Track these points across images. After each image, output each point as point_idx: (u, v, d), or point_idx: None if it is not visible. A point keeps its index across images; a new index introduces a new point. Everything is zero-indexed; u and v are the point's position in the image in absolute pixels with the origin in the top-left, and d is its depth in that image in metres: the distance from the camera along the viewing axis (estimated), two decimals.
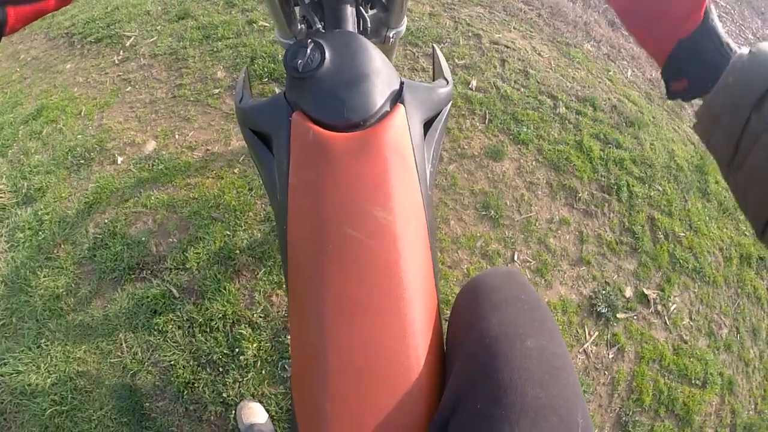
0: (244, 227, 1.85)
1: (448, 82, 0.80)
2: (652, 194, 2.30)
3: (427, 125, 0.71)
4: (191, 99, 2.37)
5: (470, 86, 2.53)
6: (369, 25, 1.02)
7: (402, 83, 0.67)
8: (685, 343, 1.96)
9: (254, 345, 1.63)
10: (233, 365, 1.60)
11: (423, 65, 2.60)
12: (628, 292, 2.00)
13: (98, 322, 1.70)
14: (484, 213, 2.05)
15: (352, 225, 0.56)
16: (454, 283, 1.85)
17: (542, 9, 3.44)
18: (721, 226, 2.35)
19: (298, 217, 0.60)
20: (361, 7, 1.01)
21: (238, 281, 1.75)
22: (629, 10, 0.52)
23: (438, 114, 0.74)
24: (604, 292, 1.96)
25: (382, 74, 0.65)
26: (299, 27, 1.11)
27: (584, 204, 2.18)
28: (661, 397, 1.81)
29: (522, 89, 2.59)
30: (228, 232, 1.82)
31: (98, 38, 2.82)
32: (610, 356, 1.85)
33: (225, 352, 1.62)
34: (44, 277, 1.81)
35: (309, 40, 0.64)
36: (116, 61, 2.66)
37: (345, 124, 0.61)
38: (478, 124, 2.36)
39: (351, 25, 0.90)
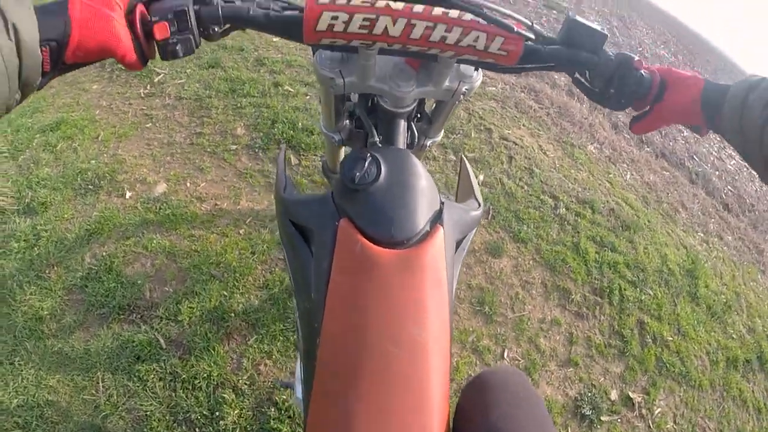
0: (241, 290, 1.89)
1: (479, 205, 0.87)
2: (643, 298, 2.39)
3: (457, 242, 0.76)
4: (208, 150, 2.46)
5: (478, 180, 2.66)
6: (416, 140, 1.12)
7: (442, 203, 0.72)
8: None
9: (235, 411, 1.63)
10: (211, 428, 1.60)
11: (434, 154, 2.74)
12: (614, 395, 2.05)
13: (78, 354, 1.70)
14: (478, 308, 2.11)
15: (389, 339, 0.60)
16: None
17: (551, 108, 3.67)
18: (708, 329, 2.44)
19: (336, 321, 0.63)
20: (412, 122, 1.10)
21: (228, 344, 1.76)
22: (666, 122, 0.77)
23: (468, 234, 0.80)
24: (589, 394, 2.01)
25: (427, 195, 0.69)
26: (344, 123, 1.20)
27: (576, 306, 2.26)
28: None
29: (526, 187, 2.74)
30: (225, 292, 1.86)
31: None
32: None
33: (204, 413, 1.62)
34: (31, 294, 1.82)
35: (368, 154, 0.69)
36: (142, 95, 2.76)
37: (389, 241, 0.64)
38: (481, 219, 2.45)
39: (402, 139, 0.96)
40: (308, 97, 2.88)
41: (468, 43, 0.67)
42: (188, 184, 2.28)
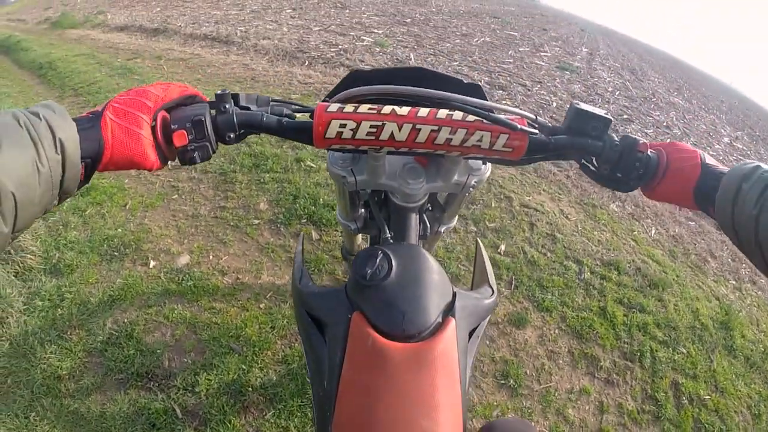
0: (260, 364, 1.90)
1: (493, 292, 0.86)
2: (676, 358, 2.31)
3: (470, 332, 0.76)
4: (231, 223, 2.57)
5: (499, 250, 2.68)
6: (429, 231, 1.16)
7: (454, 294, 0.72)
8: None
9: None
10: None
11: (455, 227, 2.76)
12: None
13: (93, 416, 1.72)
14: (503, 382, 2.04)
15: (399, 431, 0.60)
16: None
17: (571, 170, 3.71)
18: (748, 382, 2.32)
19: (347, 412, 0.64)
20: (423, 214, 1.13)
21: (245, 417, 1.74)
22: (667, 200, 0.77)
23: (481, 322, 0.79)
24: None
25: (438, 288, 0.70)
26: (360, 212, 1.26)
27: (606, 372, 2.18)
28: None
29: (549, 254, 2.72)
30: (243, 366, 1.88)
31: None
32: None
33: None
34: (51, 353, 1.88)
35: (379, 251, 0.70)
36: (169, 167, 2.89)
37: (401, 335, 0.64)
38: (504, 289, 2.44)
39: (414, 233, 0.97)
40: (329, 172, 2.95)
41: (473, 143, 0.70)
42: (211, 257, 2.36)
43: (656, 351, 2.30)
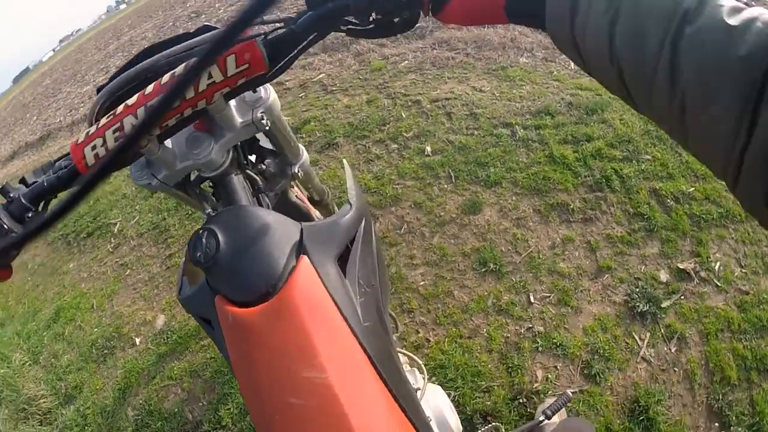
0: None
1: (351, 206, 0.79)
2: (643, 167, 2.17)
3: (346, 255, 0.72)
4: None
5: (426, 153, 2.54)
6: (262, 184, 1.04)
7: (302, 231, 0.67)
8: (747, 294, 1.75)
9: None
10: None
11: (377, 153, 2.65)
12: (663, 276, 1.83)
13: None
14: (483, 270, 1.95)
15: (289, 392, 0.56)
16: (479, 351, 1.74)
17: (468, 47, 3.46)
18: None
19: (245, 391, 0.62)
20: (248, 171, 1.02)
21: None
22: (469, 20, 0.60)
23: (352, 241, 0.74)
24: (637, 289, 1.79)
25: (276, 234, 0.66)
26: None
27: (580, 213, 2.07)
28: (747, 362, 1.60)
29: (476, 132, 2.57)
30: None
31: (89, 232, 3.09)
32: (673, 350, 1.66)
33: None
34: None
35: (201, 231, 0.67)
36: (110, 249, 2.88)
37: (257, 297, 0.61)
38: (445, 185, 2.33)
39: (242, 194, 0.89)
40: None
41: (206, 84, 0.65)
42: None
43: (621, 170, 2.16)
